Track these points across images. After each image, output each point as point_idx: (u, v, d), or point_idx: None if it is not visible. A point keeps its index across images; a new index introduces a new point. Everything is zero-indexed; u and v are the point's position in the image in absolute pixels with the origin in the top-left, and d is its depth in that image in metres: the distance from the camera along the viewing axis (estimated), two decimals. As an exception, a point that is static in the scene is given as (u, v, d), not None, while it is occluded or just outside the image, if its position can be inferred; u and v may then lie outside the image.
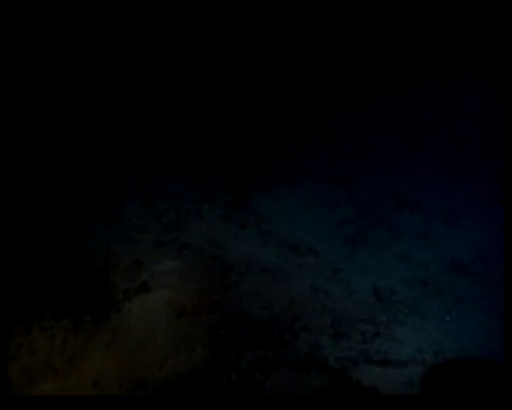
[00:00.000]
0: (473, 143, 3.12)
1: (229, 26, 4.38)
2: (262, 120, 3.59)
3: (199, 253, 2.24)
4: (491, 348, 1.76)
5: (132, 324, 1.82)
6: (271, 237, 2.40)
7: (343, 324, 1.86)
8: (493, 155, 2.95)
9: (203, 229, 2.44)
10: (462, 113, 3.51)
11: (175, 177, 2.89)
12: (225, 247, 2.31)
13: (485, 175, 2.81)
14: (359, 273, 2.16)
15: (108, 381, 1.61)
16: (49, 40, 3.78)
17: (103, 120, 3.48)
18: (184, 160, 3.08)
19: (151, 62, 4.13)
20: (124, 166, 2.97)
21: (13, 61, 3.39)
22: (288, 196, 2.78)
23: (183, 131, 3.41)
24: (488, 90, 3.63)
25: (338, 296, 2.01)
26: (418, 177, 2.90)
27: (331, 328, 1.83)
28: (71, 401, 1.55)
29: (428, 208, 2.59)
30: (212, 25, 4.36)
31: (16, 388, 1.56)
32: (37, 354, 1.63)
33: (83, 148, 3.14)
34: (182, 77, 4.10)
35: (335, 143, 3.30)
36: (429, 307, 1.94)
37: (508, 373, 1.41)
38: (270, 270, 2.16)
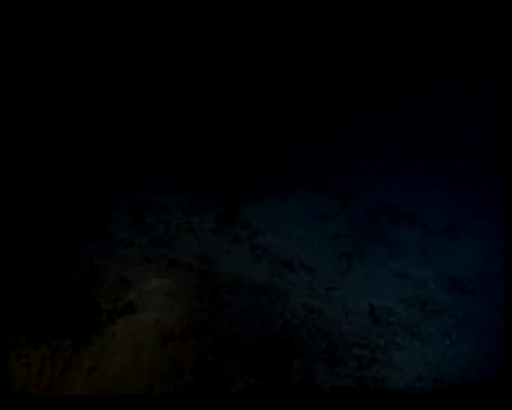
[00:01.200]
0: (472, 152, 3.05)
1: (217, 35, 4.29)
2: (254, 128, 3.50)
3: (188, 270, 2.15)
4: (492, 373, 1.68)
5: (115, 349, 1.72)
6: (264, 252, 2.31)
7: (338, 348, 1.77)
8: (494, 164, 2.88)
9: (193, 243, 2.34)
10: (462, 120, 3.44)
11: (165, 187, 2.79)
12: (216, 263, 2.21)
13: (485, 186, 2.74)
14: (355, 292, 2.07)
15: (89, 412, 1.51)
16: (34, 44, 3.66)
17: (89, 125, 3.37)
18: (175, 169, 2.98)
19: (137, 71, 4.03)
20: (111, 175, 2.86)
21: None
22: (281, 207, 2.69)
23: (173, 140, 3.31)
24: (488, 96, 3.57)
25: (333, 317, 1.92)
26: (415, 188, 2.83)
27: (326, 353, 1.75)
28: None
29: (426, 222, 2.52)
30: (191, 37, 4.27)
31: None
32: (11, 384, 1.52)
33: (67, 154, 3.03)
34: (171, 85, 4.00)
35: (330, 151, 3.22)
36: (428, 330, 1.86)
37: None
38: (263, 288, 2.06)
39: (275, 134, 3.45)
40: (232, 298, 1.99)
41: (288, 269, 2.20)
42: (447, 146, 3.19)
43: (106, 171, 2.90)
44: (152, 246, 2.29)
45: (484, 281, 2.12)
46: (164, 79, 4.00)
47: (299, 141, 3.36)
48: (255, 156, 3.17)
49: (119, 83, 3.83)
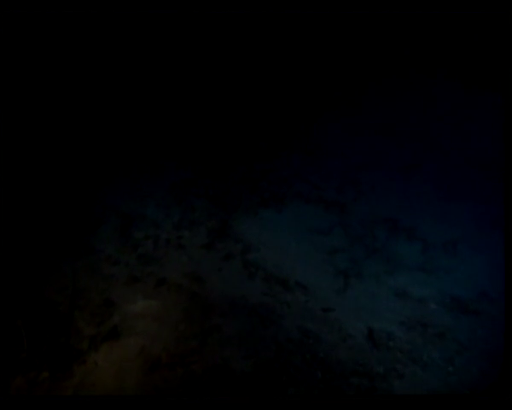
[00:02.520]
0: (473, 160, 2.97)
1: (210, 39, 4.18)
2: (248, 135, 3.39)
3: (177, 290, 2.04)
4: (498, 402, 1.59)
5: (98, 380, 1.61)
6: (258, 270, 2.21)
7: (336, 377, 1.67)
8: (495, 174, 2.80)
9: (183, 260, 2.23)
10: (461, 126, 3.36)
11: (155, 199, 2.68)
12: (207, 282, 2.10)
13: (486, 197, 2.65)
14: (353, 313, 1.98)
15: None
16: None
17: (73, 134, 3.25)
18: (165, 179, 2.86)
19: (125, 78, 3.91)
20: (98, 186, 2.74)
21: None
22: (275, 220, 2.59)
23: (164, 148, 3.20)
24: (489, 103, 3.49)
25: (330, 342, 1.82)
26: (414, 199, 2.74)
27: (322, 383, 1.65)
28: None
29: (426, 236, 2.43)
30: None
31: None
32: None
33: (50, 164, 2.90)
34: (160, 91, 3.88)
35: (325, 160, 3.12)
36: (430, 355, 1.76)
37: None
38: (256, 310, 1.96)
39: (269, 141, 3.35)
40: (224, 321, 1.88)
41: (282, 288, 2.09)
42: (447, 154, 3.11)
43: (92, 182, 2.78)
44: (139, 263, 2.18)
45: (486, 301, 2.03)
46: (153, 85, 3.89)
47: (294, 149, 3.26)
48: (249, 165, 3.07)
49: (107, 90, 3.71)
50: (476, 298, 2.03)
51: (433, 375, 1.68)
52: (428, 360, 1.74)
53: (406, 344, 1.82)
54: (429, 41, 4.07)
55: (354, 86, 3.86)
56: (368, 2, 3.95)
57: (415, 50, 4.04)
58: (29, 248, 2.21)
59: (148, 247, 2.29)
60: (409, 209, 2.65)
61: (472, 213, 2.57)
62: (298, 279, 2.16)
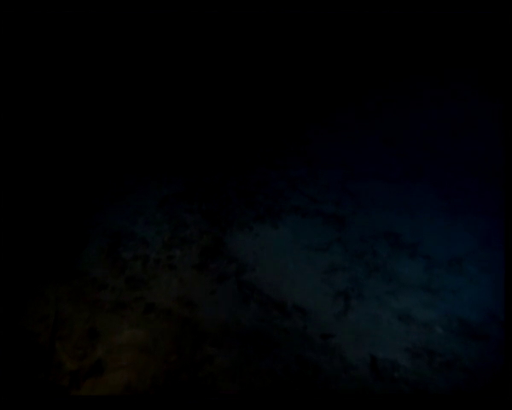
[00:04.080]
0: (478, 169, 2.86)
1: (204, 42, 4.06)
2: (241, 145, 3.28)
3: (167, 316, 1.91)
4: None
5: (79, 423, 1.48)
6: (253, 292, 2.09)
7: (337, 414, 1.55)
8: (502, 184, 2.69)
9: (173, 283, 2.11)
10: (464, 132, 3.26)
11: (144, 215, 2.55)
12: (199, 307, 1.98)
13: (492, 210, 2.54)
14: (354, 339, 1.86)
15: None
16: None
17: (56, 143, 3.12)
18: (156, 193, 2.74)
19: (107, 90, 3.78)
20: (84, 201, 2.61)
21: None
22: (272, 236, 2.47)
23: (154, 159, 3.07)
24: (490, 105, 3.39)
25: (330, 373, 1.70)
26: (416, 212, 2.62)
27: (323, 421, 1.53)
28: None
29: (429, 252, 2.31)
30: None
31: None
32: None
33: (30, 177, 2.77)
34: (150, 100, 3.76)
35: (323, 171, 3.01)
36: (438, 387, 1.65)
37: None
38: (251, 338, 1.84)
39: (263, 151, 3.23)
40: (216, 352, 1.76)
41: (279, 313, 1.97)
42: (449, 163, 3.00)
43: (77, 197, 2.65)
44: (127, 287, 2.05)
45: (496, 324, 1.91)
46: (142, 94, 3.76)
47: (290, 159, 3.14)
48: (243, 178, 2.95)
49: (92, 99, 3.58)
50: (485, 321, 1.91)
51: (442, 410, 1.57)
52: (436, 392, 1.63)
53: (412, 375, 1.70)
54: (429, 46, 3.97)
55: (352, 93, 3.75)
56: (364, 4, 3.85)
57: (415, 56, 3.93)
58: (6, 271, 2.08)
59: (136, 268, 2.17)
60: (411, 223, 2.53)
61: (478, 227, 2.45)
62: (296, 302, 2.04)
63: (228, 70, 4.02)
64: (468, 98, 3.48)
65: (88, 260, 2.20)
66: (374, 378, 1.69)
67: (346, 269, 2.26)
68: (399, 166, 2.99)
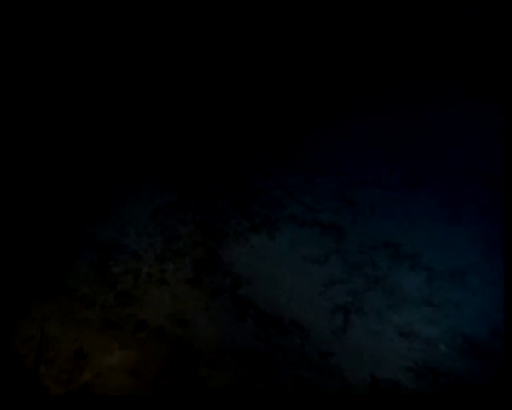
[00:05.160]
0: (479, 176, 2.79)
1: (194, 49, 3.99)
2: (236, 151, 3.20)
3: (159, 335, 1.83)
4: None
5: (64, 454, 1.40)
6: (249, 308, 2.01)
7: (337, 441, 1.48)
8: (504, 191, 2.62)
9: (166, 299, 2.03)
10: (465, 137, 3.19)
11: (136, 226, 2.47)
12: (192, 324, 1.90)
13: (495, 219, 2.48)
14: (354, 358, 1.78)
15: None
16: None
17: (45, 148, 3.03)
18: (148, 203, 2.66)
19: (95, 96, 3.70)
20: (73, 212, 2.53)
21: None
22: (268, 248, 2.39)
23: (147, 166, 2.99)
24: (491, 110, 3.32)
25: (329, 395, 1.63)
26: (416, 221, 2.55)
27: (322, 449, 1.45)
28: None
29: (431, 264, 2.24)
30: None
31: None
32: None
33: (17, 185, 2.68)
34: (141, 106, 3.68)
35: (321, 178, 2.93)
36: (442, 410, 1.58)
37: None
38: (247, 358, 1.76)
39: (259, 158, 3.16)
40: (210, 373, 1.68)
41: (276, 330, 1.89)
42: (450, 170, 2.93)
43: (67, 207, 2.56)
44: (117, 304, 1.97)
45: (500, 340, 1.85)
46: (133, 100, 3.68)
47: (286, 166, 3.07)
48: (238, 186, 2.87)
49: (81, 106, 3.49)
50: (490, 337, 1.84)
51: (447, 436, 1.49)
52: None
53: (415, 398, 1.62)
54: (428, 49, 3.91)
55: (350, 98, 3.68)
56: (356, 5, 3.78)
57: (413, 59, 3.87)
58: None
59: (127, 284, 2.08)
60: (411, 232, 2.46)
61: (480, 237, 2.39)
62: (293, 318, 1.97)
63: (222, 74, 3.94)
64: (466, 103, 3.42)
65: (77, 275, 2.12)
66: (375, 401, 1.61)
67: (344, 282, 2.19)
68: (399, 172, 2.92)
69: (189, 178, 2.90)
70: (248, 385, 1.64)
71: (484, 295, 2.04)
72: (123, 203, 2.63)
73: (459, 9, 3.62)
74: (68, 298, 1.98)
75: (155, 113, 3.57)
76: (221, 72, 3.92)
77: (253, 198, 2.76)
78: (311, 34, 3.97)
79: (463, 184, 2.78)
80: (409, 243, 2.38)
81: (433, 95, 3.49)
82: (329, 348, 1.82)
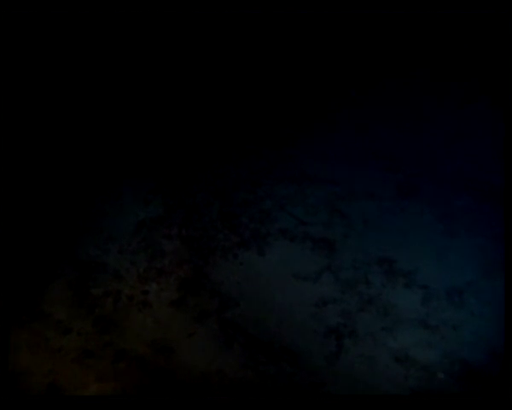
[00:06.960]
0: (477, 187, 2.69)
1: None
2: (225, 161, 3.08)
3: (139, 365, 1.71)
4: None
5: None
6: (236, 332, 1.89)
7: None
8: (504, 202, 2.54)
9: (148, 324, 1.90)
10: (461, 145, 3.10)
11: (118, 243, 2.33)
12: (176, 352, 1.78)
13: (494, 233, 2.39)
14: (347, 388, 1.68)
15: None
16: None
17: (22, 156, 2.88)
18: (132, 217, 2.52)
19: (76, 101, 3.55)
20: (51, 228, 2.38)
21: None
22: (258, 265, 2.28)
23: (128, 176, 2.85)
24: (490, 115, 3.23)
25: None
26: (411, 235, 2.45)
27: None
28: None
29: (427, 282, 2.14)
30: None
31: None
32: None
33: None
34: (125, 112, 3.54)
35: (312, 189, 2.83)
36: (441, 447, 1.48)
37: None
38: (234, 388, 1.65)
39: (249, 167, 3.04)
40: (195, 406, 1.56)
41: (265, 357, 1.78)
42: (446, 180, 2.83)
43: (44, 222, 2.42)
44: (95, 331, 1.84)
45: (499, 365, 1.76)
46: (116, 105, 3.54)
47: (277, 176, 2.96)
48: (227, 197, 2.75)
49: (62, 111, 3.34)
50: (489, 363, 1.76)
51: None
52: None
53: (413, 431, 1.53)
54: (426, 53, 3.82)
55: (343, 106, 3.58)
56: (349, 6, 3.68)
57: (407, 67, 3.78)
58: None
59: (106, 307, 1.95)
60: (406, 247, 2.36)
61: (478, 252, 2.30)
62: (283, 343, 1.86)
63: (210, 81, 3.82)
64: (463, 110, 3.34)
65: (53, 297, 1.98)
66: (370, 436, 1.51)
67: (337, 301, 2.08)
68: (393, 183, 2.83)
69: (174, 190, 2.77)
70: (235, 421, 1.53)
71: (482, 316, 1.94)
72: (104, 217, 2.50)
73: (457, 11, 3.53)
74: (42, 324, 1.85)
75: (139, 119, 3.43)
76: (209, 79, 3.80)
77: (242, 210, 2.64)
78: (303, 41, 3.87)
79: (460, 195, 2.69)
80: (404, 258, 2.29)
81: (427, 103, 3.40)
82: (321, 377, 1.71)
